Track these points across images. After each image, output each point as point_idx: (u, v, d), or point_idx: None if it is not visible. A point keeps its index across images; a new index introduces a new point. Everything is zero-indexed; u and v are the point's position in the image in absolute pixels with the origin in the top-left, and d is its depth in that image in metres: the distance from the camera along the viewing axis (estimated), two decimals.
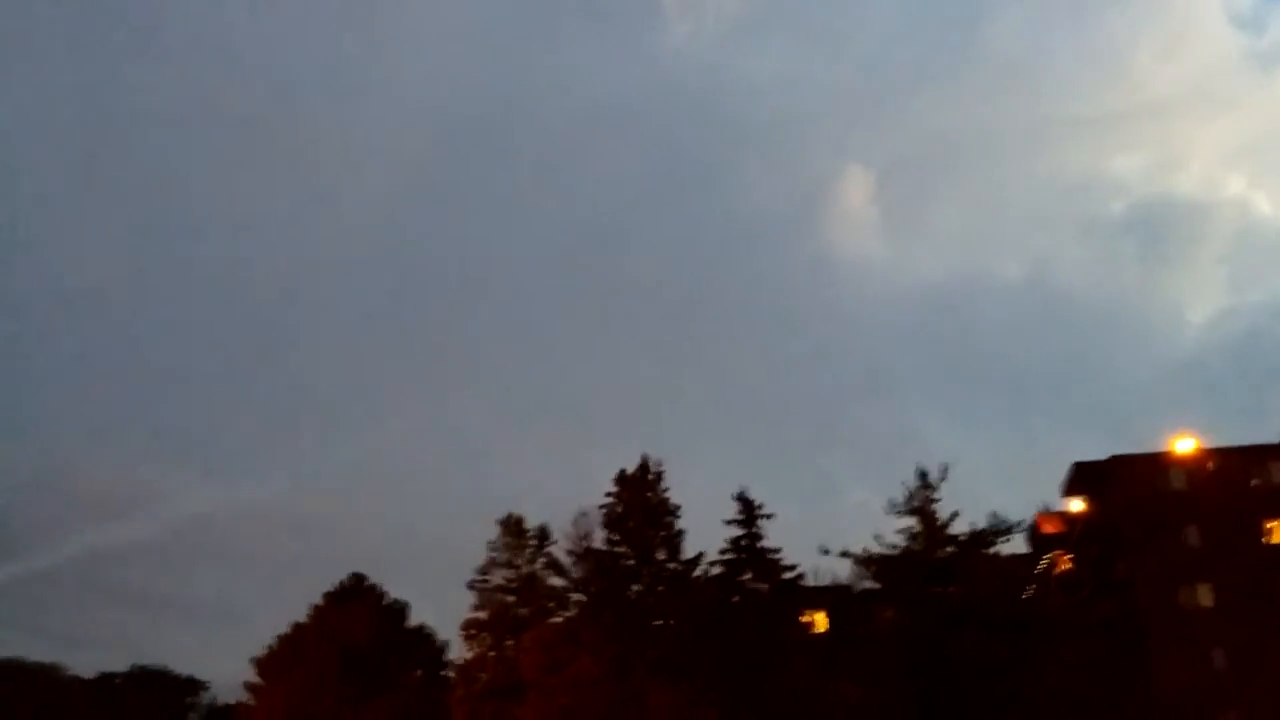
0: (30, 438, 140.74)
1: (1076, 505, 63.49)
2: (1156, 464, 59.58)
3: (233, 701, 79.26)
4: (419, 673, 68.49)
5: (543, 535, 59.62)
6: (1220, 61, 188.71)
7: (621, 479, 54.17)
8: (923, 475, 49.38)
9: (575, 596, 54.64)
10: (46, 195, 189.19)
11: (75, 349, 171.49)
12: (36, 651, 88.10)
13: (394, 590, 72.22)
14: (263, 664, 69.11)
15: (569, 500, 64.60)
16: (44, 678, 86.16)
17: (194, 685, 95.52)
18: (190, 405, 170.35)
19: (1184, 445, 59.67)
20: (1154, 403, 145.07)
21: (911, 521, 49.09)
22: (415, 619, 71.56)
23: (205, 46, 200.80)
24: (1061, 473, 63.61)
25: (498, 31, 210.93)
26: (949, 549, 48.88)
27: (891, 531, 49.27)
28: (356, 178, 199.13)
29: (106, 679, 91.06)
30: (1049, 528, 62.75)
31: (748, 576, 52.03)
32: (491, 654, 58.19)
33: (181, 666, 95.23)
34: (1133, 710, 49.46)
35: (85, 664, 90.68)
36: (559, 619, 55.10)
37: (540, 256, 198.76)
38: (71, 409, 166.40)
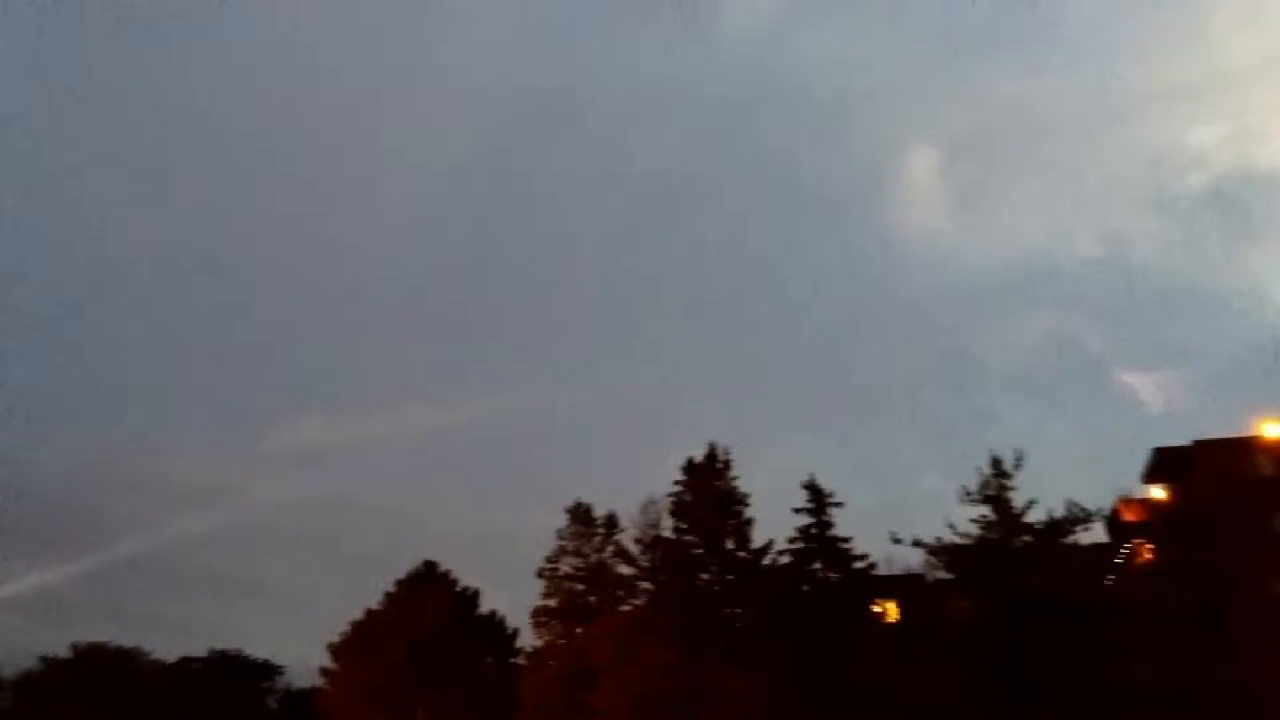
0: (120, 436, 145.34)
1: (1158, 492, 61.67)
2: (1242, 449, 57.44)
3: (308, 686, 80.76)
4: (490, 659, 69.07)
5: (611, 524, 59.83)
6: None
7: (689, 467, 53.92)
8: (996, 462, 48.42)
9: (644, 585, 54.51)
10: (119, 197, 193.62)
11: (158, 350, 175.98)
12: (120, 636, 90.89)
13: (465, 578, 73.14)
14: (337, 650, 70.26)
15: (637, 488, 64.48)
16: (126, 661, 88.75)
17: (270, 669, 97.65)
18: (265, 398, 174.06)
19: (1271, 429, 57.65)
20: (1237, 384, 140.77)
21: (985, 510, 48.14)
22: (486, 606, 72.46)
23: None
24: (1142, 458, 61.95)
25: (561, 12, 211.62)
26: (1025, 538, 47.84)
27: (965, 520, 48.33)
28: (429, 155, 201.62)
29: (185, 663, 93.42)
30: (1129, 516, 60.93)
31: (817, 565, 51.47)
32: (561, 641, 58.54)
33: (257, 651, 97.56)
34: (1216, 702, 47.98)
35: (166, 648, 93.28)
36: (628, 607, 55.07)
37: (603, 237, 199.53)
38: (157, 407, 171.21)
